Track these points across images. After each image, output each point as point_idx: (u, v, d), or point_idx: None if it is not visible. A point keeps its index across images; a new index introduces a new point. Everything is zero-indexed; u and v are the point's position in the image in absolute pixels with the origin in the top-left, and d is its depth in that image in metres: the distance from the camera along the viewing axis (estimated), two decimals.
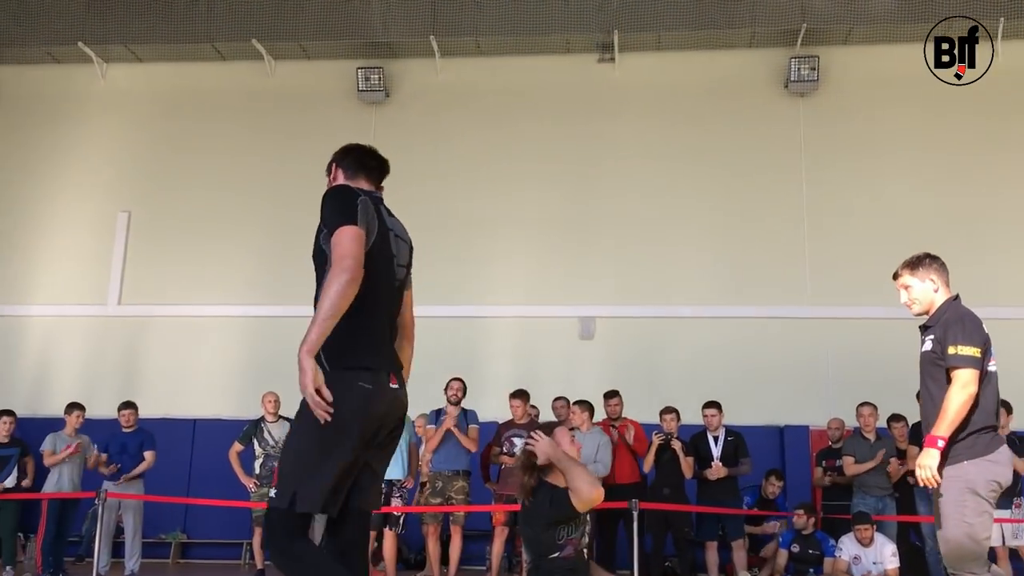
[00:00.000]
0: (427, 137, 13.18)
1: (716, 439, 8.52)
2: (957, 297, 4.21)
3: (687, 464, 8.27)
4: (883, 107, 12.73)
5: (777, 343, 11.72)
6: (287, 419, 8.94)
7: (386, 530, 8.20)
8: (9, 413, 8.91)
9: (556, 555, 4.06)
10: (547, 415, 9.37)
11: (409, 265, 3.61)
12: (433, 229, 12.88)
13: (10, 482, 8.66)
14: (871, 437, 8.39)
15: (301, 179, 13.20)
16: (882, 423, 8.90)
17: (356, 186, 3.60)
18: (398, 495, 8.22)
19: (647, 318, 12.24)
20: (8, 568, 8.58)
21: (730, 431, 8.60)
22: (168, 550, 11.74)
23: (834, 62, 12.83)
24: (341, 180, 3.69)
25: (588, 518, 4.30)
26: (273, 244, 13.05)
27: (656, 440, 8.35)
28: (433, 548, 8.43)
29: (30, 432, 9.61)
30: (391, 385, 3.28)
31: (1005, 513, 7.91)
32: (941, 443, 3.84)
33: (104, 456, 8.92)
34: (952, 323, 4.05)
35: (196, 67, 13.71)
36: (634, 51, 13.16)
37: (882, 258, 12.10)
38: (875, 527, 7.69)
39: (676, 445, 8.29)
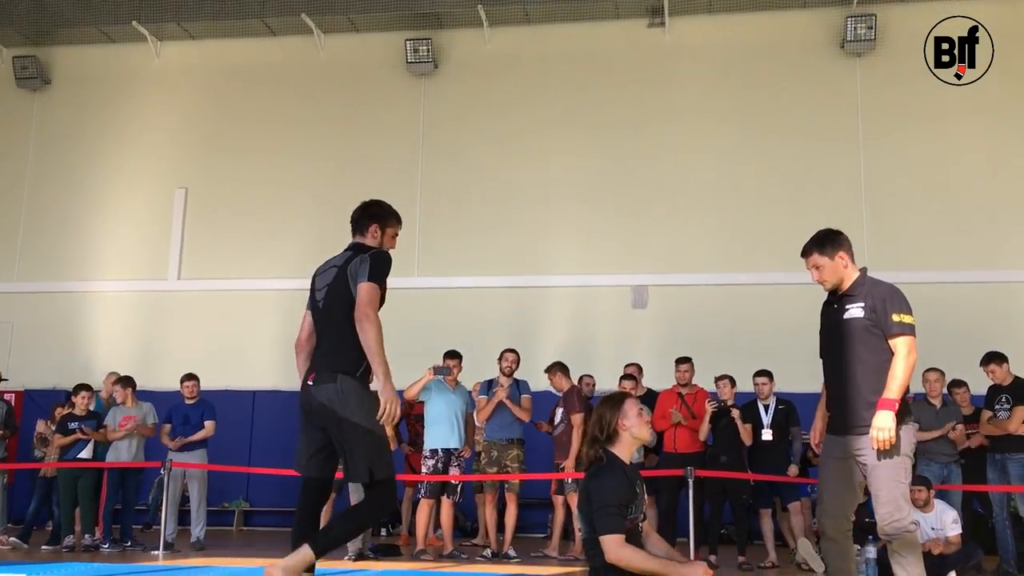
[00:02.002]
0: (476, 107, 13.16)
1: (767, 407, 8.42)
2: (865, 269, 4.40)
3: (746, 431, 8.20)
4: (944, 67, 12.35)
5: None
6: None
7: (444, 498, 8.31)
8: (87, 387, 9.14)
9: None
10: (607, 384, 9.36)
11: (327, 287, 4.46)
12: (484, 200, 12.93)
13: (86, 453, 8.91)
14: (937, 403, 8.23)
15: (353, 151, 13.35)
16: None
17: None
18: (456, 464, 8.31)
19: (700, 286, 12.14)
20: (85, 536, 8.85)
21: (781, 399, 8.49)
22: (232, 518, 12.04)
23: (892, 20, 12.48)
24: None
25: (645, 492, 4.24)
26: (326, 217, 13.15)
27: (709, 408, 8.27)
28: (490, 516, 8.52)
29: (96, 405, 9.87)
30: None
31: None
32: (896, 406, 4.03)
33: (167, 427, 9.14)
34: (889, 294, 4.24)
35: (247, 43, 13.84)
36: (684, 14, 12.95)
37: (942, 222, 11.96)
38: (932, 492, 7.55)
39: (735, 413, 8.23)
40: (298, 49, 13.74)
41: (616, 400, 4.13)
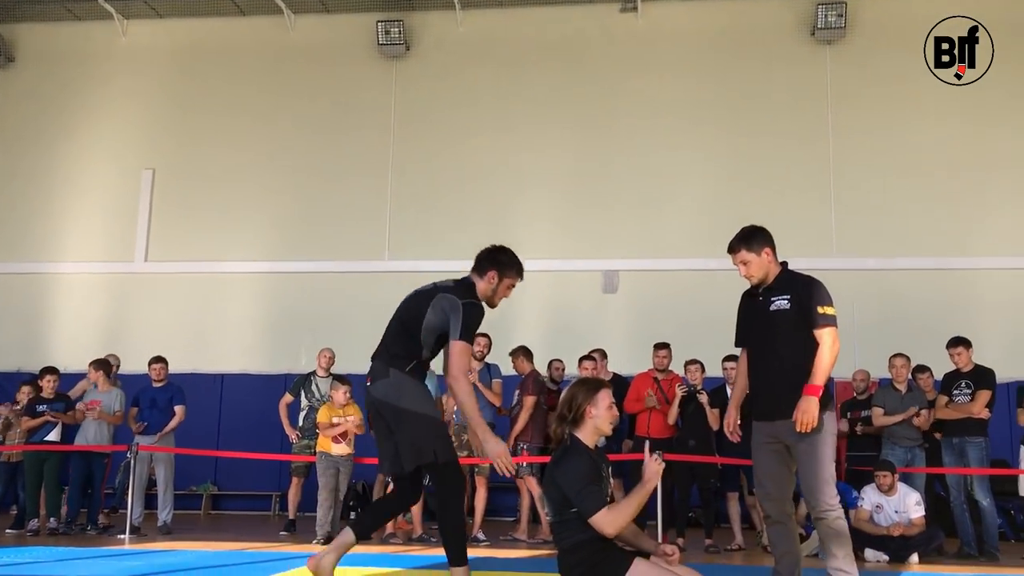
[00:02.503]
0: (448, 91, 13.09)
1: None
2: (786, 264, 4.58)
3: (713, 416, 8.27)
4: (913, 54, 12.45)
5: None
6: (335, 376, 9.03)
7: None
8: (52, 371, 9.04)
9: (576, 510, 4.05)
10: (577, 369, 9.37)
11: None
12: (456, 183, 12.90)
13: (54, 436, 8.82)
14: (902, 389, 8.35)
15: (323, 134, 13.25)
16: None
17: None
18: None
19: (671, 271, 12.20)
20: (50, 520, 8.76)
21: None
22: (199, 502, 11.97)
23: (862, 7, 12.58)
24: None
25: (611, 476, 4.28)
26: (296, 198, 13.10)
27: (679, 392, 8.33)
28: None
29: (63, 387, 9.75)
30: None
31: None
32: (820, 392, 4.24)
33: (134, 410, 9.06)
34: (814, 287, 4.44)
35: (216, 22, 13.66)
36: (657, 0, 12.94)
37: (909, 210, 12.09)
38: (896, 476, 7.68)
39: (703, 398, 8.29)
40: (268, 29, 13.58)
41: (593, 386, 4.15)
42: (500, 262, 4.71)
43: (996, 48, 11.81)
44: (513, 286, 4.71)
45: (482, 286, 4.63)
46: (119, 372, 9.83)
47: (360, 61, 13.34)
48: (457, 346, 4.28)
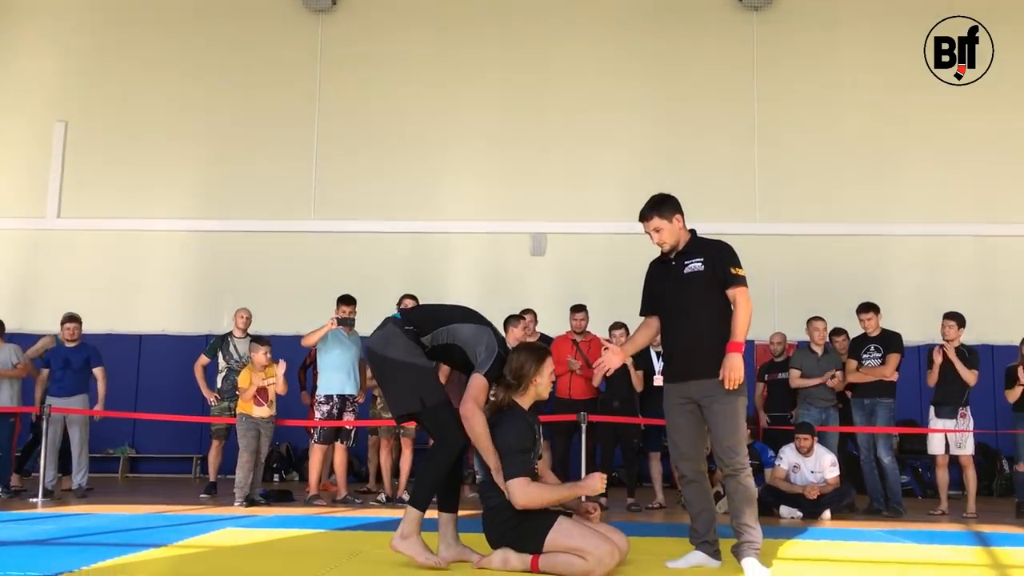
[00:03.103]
0: (375, 47, 12.84)
1: (659, 354, 8.61)
2: (695, 231, 4.69)
3: (637, 378, 8.39)
4: (838, 25, 12.68)
5: None
6: (253, 337, 8.82)
7: (337, 444, 8.26)
8: None
9: None
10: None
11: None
12: (383, 142, 12.71)
13: None
14: (819, 351, 8.58)
15: (247, 89, 12.89)
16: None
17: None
18: (350, 410, 8.26)
19: (599, 234, 12.27)
20: None
21: None
22: (116, 465, 11.71)
23: None
24: None
25: (542, 435, 4.37)
26: (219, 155, 12.76)
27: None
28: (385, 461, 8.52)
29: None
30: None
31: (950, 424, 8.19)
32: (743, 349, 4.37)
33: (45, 372, 8.77)
34: (724, 250, 4.57)
35: None
36: None
37: (830, 176, 12.36)
38: (815, 438, 7.92)
39: (628, 360, 8.38)
40: None
41: (541, 355, 4.27)
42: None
43: (918, 27, 12.14)
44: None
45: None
46: (24, 332, 9.48)
47: (285, 14, 12.98)
48: (479, 380, 4.25)
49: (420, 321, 4.45)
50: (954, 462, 8.34)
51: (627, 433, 8.39)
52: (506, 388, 4.25)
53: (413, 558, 4.14)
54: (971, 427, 8.16)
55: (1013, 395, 8.15)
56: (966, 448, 8.15)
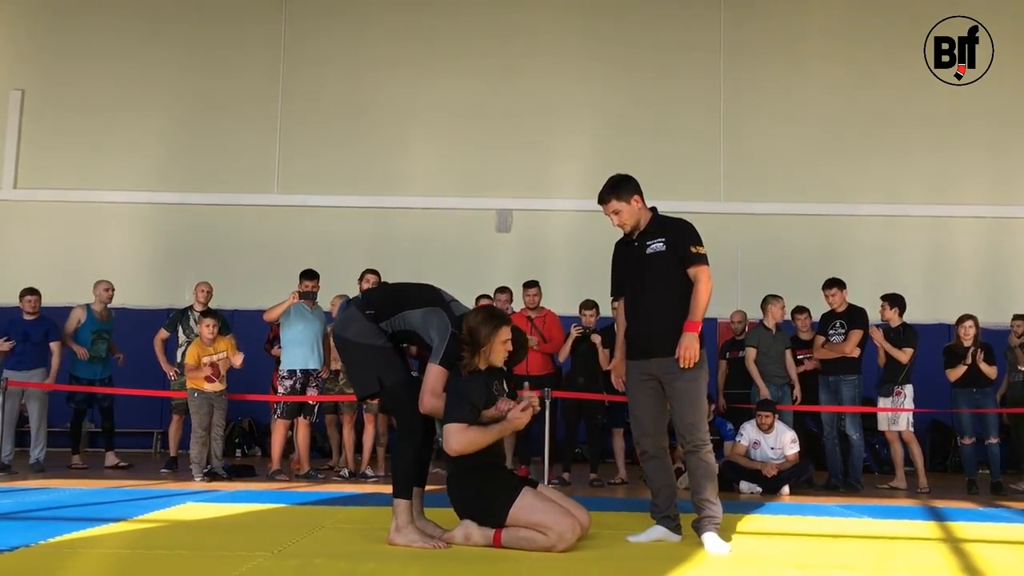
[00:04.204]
0: (340, 21, 12.69)
1: None
2: (655, 208, 4.68)
3: (604, 356, 8.42)
4: (803, 8, 12.74)
5: None
6: (203, 311, 8.74)
7: (300, 419, 8.23)
8: None
9: None
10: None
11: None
12: (347, 117, 12.59)
13: None
14: (773, 329, 8.68)
15: (209, 60, 12.69)
16: (785, 315, 9.19)
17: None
18: (313, 385, 8.22)
19: (564, 211, 12.28)
20: None
21: None
22: None
23: None
24: None
25: (506, 387, 4.40)
26: (181, 127, 12.57)
27: (574, 332, 8.48)
28: (348, 436, 8.50)
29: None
30: None
31: (887, 401, 8.37)
32: (699, 328, 4.40)
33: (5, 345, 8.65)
34: (685, 228, 4.56)
35: None
36: None
37: (794, 156, 12.46)
38: (776, 415, 8.02)
39: (596, 339, 8.44)
40: None
41: (497, 322, 4.27)
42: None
43: (881, 15, 12.25)
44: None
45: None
46: None
47: None
48: (433, 370, 4.21)
49: (379, 305, 4.41)
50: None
51: (591, 409, 8.44)
52: (464, 345, 4.27)
53: (410, 546, 4.11)
54: (909, 404, 8.32)
55: (955, 374, 8.35)
56: (899, 424, 8.34)
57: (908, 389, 8.31)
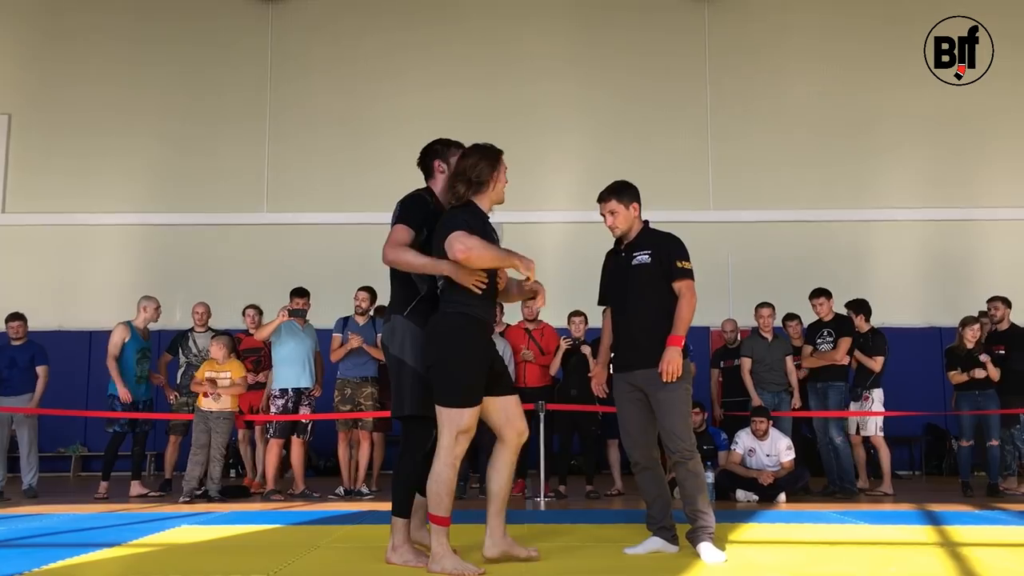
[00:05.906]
0: (327, 37, 12.73)
1: None
2: (648, 222, 4.72)
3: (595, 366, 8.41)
4: (788, 14, 12.81)
5: None
6: (213, 330, 8.71)
7: (294, 438, 8.19)
8: None
9: None
10: None
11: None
12: (336, 134, 12.60)
13: None
14: (768, 336, 8.69)
15: (197, 80, 12.69)
16: (777, 323, 9.20)
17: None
18: (306, 403, 8.19)
19: (554, 223, 12.29)
20: None
21: None
22: (68, 464, 11.50)
23: None
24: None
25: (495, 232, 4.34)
26: (169, 147, 12.56)
27: (563, 344, 8.47)
28: (343, 454, 8.47)
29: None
30: None
31: (855, 406, 8.41)
32: (683, 342, 4.40)
33: None
34: (672, 242, 4.58)
35: None
36: None
37: (781, 164, 12.50)
38: (771, 422, 8.02)
39: (586, 350, 8.43)
40: None
41: (495, 156, 4.23)
42: (435, 149, 4.68)
43: (868, 20, 12.32)
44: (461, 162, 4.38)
45: (438, 183, 4.56)
46: None
47: (235, 3, 12.79)
48: (397, 227, 4.19)
49: (403, 292, 4.35)
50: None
51: (585, 421, 8.42)
52: (468, 184, 4.19)
53: (406, 565, 4.06)
54: (879, 408, 8.40)
55: (958, 378, 8.36)
56: (867, 429, 8.42)
57: (877, 394, 8.42)
